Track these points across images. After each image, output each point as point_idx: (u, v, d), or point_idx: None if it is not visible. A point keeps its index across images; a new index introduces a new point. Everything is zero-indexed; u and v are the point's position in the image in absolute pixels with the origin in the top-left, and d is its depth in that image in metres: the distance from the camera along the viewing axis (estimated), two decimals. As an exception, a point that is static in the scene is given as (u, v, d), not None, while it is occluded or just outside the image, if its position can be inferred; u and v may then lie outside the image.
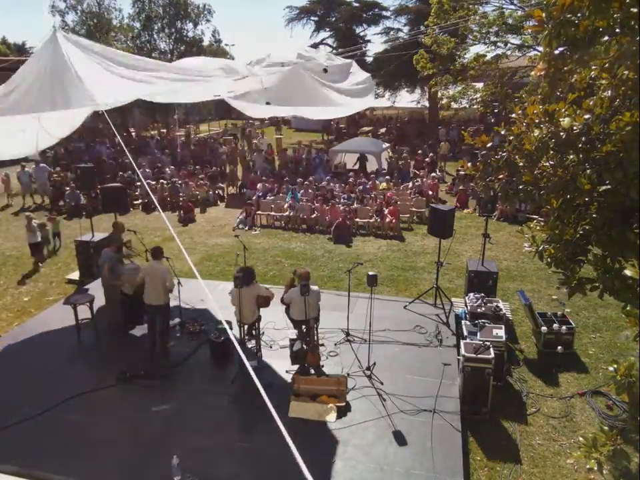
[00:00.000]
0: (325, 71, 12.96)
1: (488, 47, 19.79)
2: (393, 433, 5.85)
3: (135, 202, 15.96)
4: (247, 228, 13.86)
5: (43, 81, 6.99)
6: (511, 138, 3.48)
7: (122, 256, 8.35)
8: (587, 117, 3.04)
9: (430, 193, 15.86)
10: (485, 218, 9.27)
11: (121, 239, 8.83)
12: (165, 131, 27.87)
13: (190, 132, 28.47)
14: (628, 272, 2.53)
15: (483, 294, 8.02)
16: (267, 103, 10.41)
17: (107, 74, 7.27)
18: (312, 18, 35.38)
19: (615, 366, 2.91)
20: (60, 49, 7.13)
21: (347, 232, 13.11)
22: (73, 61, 7.11)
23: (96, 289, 9.04)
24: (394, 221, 13.32)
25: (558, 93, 3.50)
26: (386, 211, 13.67)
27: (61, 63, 6.97)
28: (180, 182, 16.92)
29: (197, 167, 19.35)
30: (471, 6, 19.15)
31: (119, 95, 7.44)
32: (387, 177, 17.31)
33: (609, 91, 3.07)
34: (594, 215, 3.13)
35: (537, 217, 3.60)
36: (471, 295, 8.09)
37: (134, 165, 6.25)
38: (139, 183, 17.00)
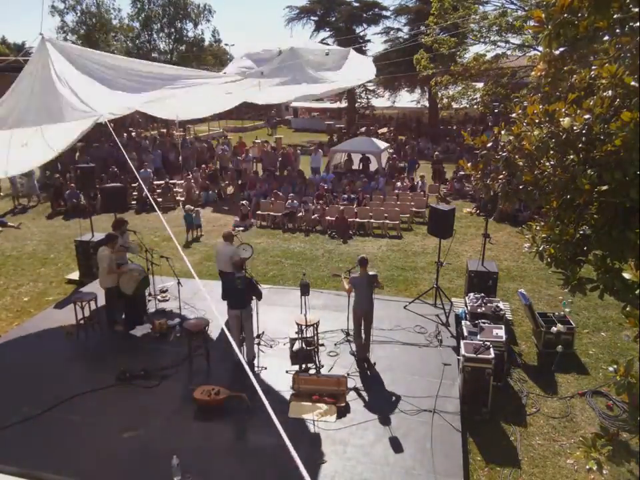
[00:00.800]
0: (327, 54, 13.17)
1: (488, 47, 19.79)
2: (393, 433, 5.85)
3: (132, 202, 15.96)
4: (242, 229, 13.70)
5: (38, 96, 7.09)
6: (511, 138, 3.48)
7: (122, 251, 8.35)
8: (586, 116, 3.04)
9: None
10: (485, 218, 9.27)
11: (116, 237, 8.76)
12: (164, 130, 27.84)
13: (190, 132, 28.50)
14: (627, 275, 2.53)
15: (482, 294, 8.02)
16: (261, 73, 10.46)
17: (99, 86, 7.36)
18: (312, 18, 35.36)
19: (615, 366, 2.91)
20: (50, 62, 7.24)
21: (346, 228, 13.12)
22: (65, 72, 7.20)
23: (96, 288, 9.04)
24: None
25: (558, 93, 3.50)
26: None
27: (53, 76, 7.09)
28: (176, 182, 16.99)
29: (195, 168, 19.33)
30: (471, 5, 19.14)
31: (117, 106, 7.52)
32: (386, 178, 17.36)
33: (609, 91, 3.07)
34: (594, 215, 3.13)
35: (537, 217, 3.60)
36: (471, 294, 8.09)
37: (132, 166, 6.27)
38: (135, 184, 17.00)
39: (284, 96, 16.90)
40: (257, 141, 22.57)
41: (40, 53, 7.68)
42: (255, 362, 7.19)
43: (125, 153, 6.74)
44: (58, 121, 6.99)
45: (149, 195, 5.43)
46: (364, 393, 6.58)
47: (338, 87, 18.04)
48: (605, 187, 2.94)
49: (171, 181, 17.17)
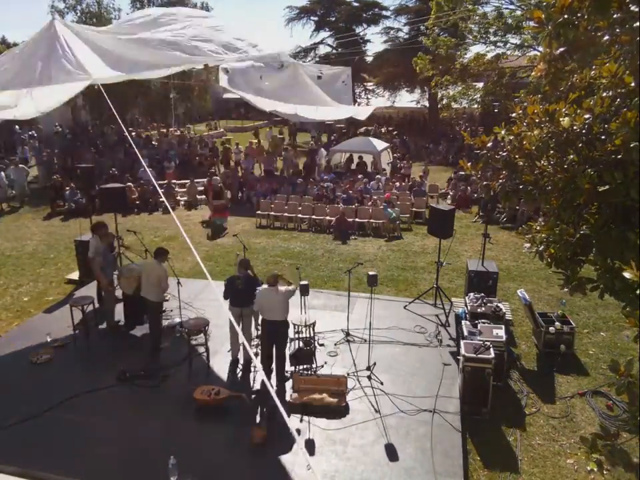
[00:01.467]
0: (319, 77, 13.37)
1: (487, 47, 19.81)
2: (393, 432, 5.85)
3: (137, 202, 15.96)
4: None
5: (35, 60, 7.09)
6: (511, 138, 3.48)
7: (115, 254, 8.36)
8: (587, 116, 3.04)
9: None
10: (486, 219, 9.29)
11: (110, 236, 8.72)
12: (164, 131, 27.83)
13: (190, 132, 28.51)
14: (627, 275, 2.53)
15: (483, 294, 8.02)
16: (281, 66, 10.60)
17: (100, 48, 7.35)
18: (312, 18, 35.37)
19: (615, 366, 2.90)
20: (56, 31, 7.24)
21: (347, 227, 13.10)
22: (69, 40, 7.19)
23: (93, 288, 9.05)
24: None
25: (558, 93, 3.50)
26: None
27: (55, 43, 7.08)
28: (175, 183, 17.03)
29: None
30: (470, 6, 19.16)
31: (113, 69, 7.46)
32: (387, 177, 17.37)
33: (610, 91, 3.07)
34: (594, 215, 3.13)
35: (536, 216, 3.61)
36: (471, 294, 8.09)
37: (144, 165, 6.19)
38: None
39: (286, 109, 17.12)
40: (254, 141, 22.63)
41: (47, 28, 7.66)
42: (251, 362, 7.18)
43: (137, 152, 6.67)
44: (49, 84, 6.97)
45: (162, 196, 5.33)
46: (364, 393, 6.57)
47: (334, 116, 18.54)
48: (605, 187, 2.94)
49: (172, 181, 17.18)
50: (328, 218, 13.76)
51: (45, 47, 7.30)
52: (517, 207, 13.54)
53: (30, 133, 23.15)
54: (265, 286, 6.72)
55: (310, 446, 5.63)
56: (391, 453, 5.55)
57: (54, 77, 6.86)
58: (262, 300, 6.60)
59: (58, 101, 7.74)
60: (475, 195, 15.43)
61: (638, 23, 2.66)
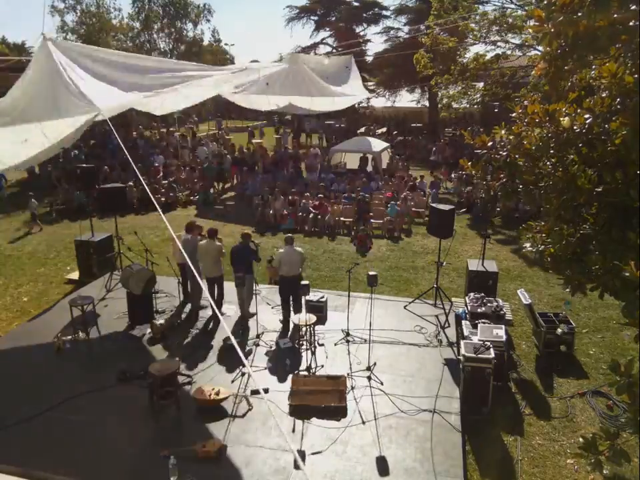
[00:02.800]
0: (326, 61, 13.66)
1: (487, 47, 19.78)
2: (393, 433, 5.84)
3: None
4: None
5: (41, 91, 7.17)
6: (511, 137, 3.48)
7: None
8: (586, 116, 3.03)
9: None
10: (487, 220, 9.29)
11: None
12: (164, 130, 27.81)
13: (190, 131, 28.49)
14: (627, 274, 2.52)
15: (483, 294, 8.02)
16: (267, 84, 10.94)
17: (101, 83, 7.46)
18: (312, 17, 35.36)
19: (615, 366, 2.90)
20: (53, 59, 7.32)
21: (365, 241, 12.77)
22: (66, 70, 7.30)
23: (96, 288, 9.07)
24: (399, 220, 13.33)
25: (558, 93, 3.50)
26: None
27: (55, 73, 7.19)
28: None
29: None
30: (471, 5, 19.15)
31: (118, 100, 7.57)
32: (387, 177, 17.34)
33: (610, 91, 3.07)
34: (594, 215, 3.12)
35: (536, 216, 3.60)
36: (471, 294, 8.09)
37: (134, 165, 6.21)
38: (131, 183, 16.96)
39: (283, 102, 17.20)
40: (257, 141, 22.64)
41: (42, 52, 7.71)
42: (252, 357, 7.19)
43: (127, 154, 6.74)
44: (59, 117, 7.05)
45: (151, 196, 5.32)
46: (364, 393, 6.57)
47: (335, 107, 18.69)
48: (605, 187, 2.93)
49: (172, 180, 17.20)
50: (327, 217, 13.75)
51: (47, 79, 7.39)
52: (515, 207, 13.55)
53: None
54: (282, 249, 8.01)
55: (310, 446, 5.62)
56: (391, 453, 5.54)
57: (63, 109, 7.03)
58: (283, 257, 7.81)
59: (69, 134, 7.83)
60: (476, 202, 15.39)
61: (638, 22, 2.66)
